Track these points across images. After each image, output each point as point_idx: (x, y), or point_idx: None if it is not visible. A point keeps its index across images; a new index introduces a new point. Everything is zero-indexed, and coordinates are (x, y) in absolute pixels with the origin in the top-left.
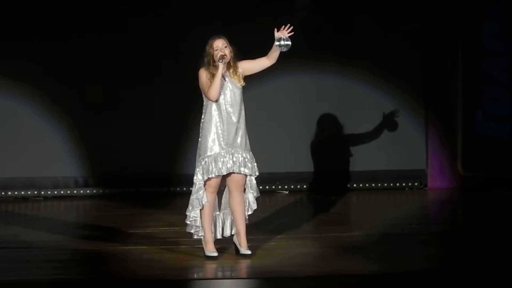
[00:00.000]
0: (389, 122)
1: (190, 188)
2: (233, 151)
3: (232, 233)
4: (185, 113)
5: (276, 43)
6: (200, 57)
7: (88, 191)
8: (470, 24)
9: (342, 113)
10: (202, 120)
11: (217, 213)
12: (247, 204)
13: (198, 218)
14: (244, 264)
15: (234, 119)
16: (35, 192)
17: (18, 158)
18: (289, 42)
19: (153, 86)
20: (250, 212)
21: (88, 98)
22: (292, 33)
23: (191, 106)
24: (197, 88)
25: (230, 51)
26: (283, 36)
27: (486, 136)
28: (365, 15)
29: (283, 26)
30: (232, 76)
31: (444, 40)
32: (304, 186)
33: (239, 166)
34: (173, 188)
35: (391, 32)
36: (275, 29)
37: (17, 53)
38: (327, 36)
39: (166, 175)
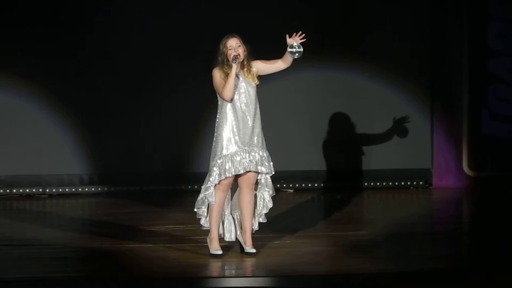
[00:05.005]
0: (399, 128)
1: (196, 186)
2: (249, 149)
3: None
4: (191, 111)
5: (289, 49)
6: (214, 55)
7: (93, 189)
8: (475, 23)
9: (348, 112)
10: (217, 120)
11: (235, 213)
12: (263, 202)
13: (203, 217)
14: (248, 263)
15: (250, 118)
16: (40, 190)
17: (23, 156)
18: (301, 49)
19: (161, 83)
20: (266, 211)
21: (94, 96)
22: (304, 40)
23: (198, 104)
24: (207, 87)
25: (244, 50)
26: (295, 43)
27: (491, 136)
28: (373, 12)
29: (295, 33)
30: (246, 75)
31: (450, 40)
32: (309, 185)
33: (256, 165)
34: (179, 186)
35: (397, 32)
36: (287, 36)
37: (24, 51)
38: (334, 31)
39: (171, 173)
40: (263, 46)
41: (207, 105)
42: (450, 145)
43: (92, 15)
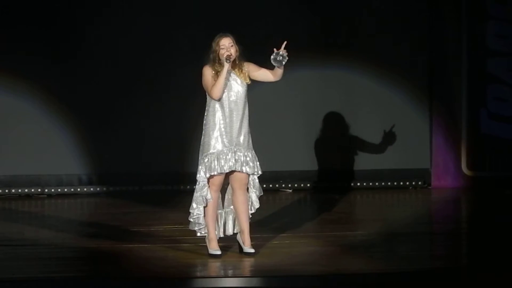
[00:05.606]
0: (389, 138)
1: (194, 186)
2: (235, 149)
3: (235, 231)
4: (191, 111)
5: (273, 55)
6: (205, 54)
7: (91, 189)
8: (474, 23)
9: (346, 111)
10: (205, 117)
11: (220, 211)
12: (250, 203)
13: (201, 216)
14: (247, 263)
15: (238, 117)
16: (39, 190)
17: (22, 156)
18: (280, 58)
19: (159, 84)
20: (253, 211)
21: (94, 96)
22: (287, 57)
23: (198, 104)
24: (202, 85)
25: (236, 50)
26: (281, 52)
27: (490, 136)
28: (373, 12)
29: (285, 43)
30: (238, 74)
31: (449, 40)
32: (308, 185)
33: (241, 165)
34: (177, 186)
35: (397, 32)
36: (275, 49)
37: (24, 51)
38: (334, 31)
39: (170, 173)
40: (263, 47)
41: (203, 103)
42: (448, 145)
43: (92, 15)
